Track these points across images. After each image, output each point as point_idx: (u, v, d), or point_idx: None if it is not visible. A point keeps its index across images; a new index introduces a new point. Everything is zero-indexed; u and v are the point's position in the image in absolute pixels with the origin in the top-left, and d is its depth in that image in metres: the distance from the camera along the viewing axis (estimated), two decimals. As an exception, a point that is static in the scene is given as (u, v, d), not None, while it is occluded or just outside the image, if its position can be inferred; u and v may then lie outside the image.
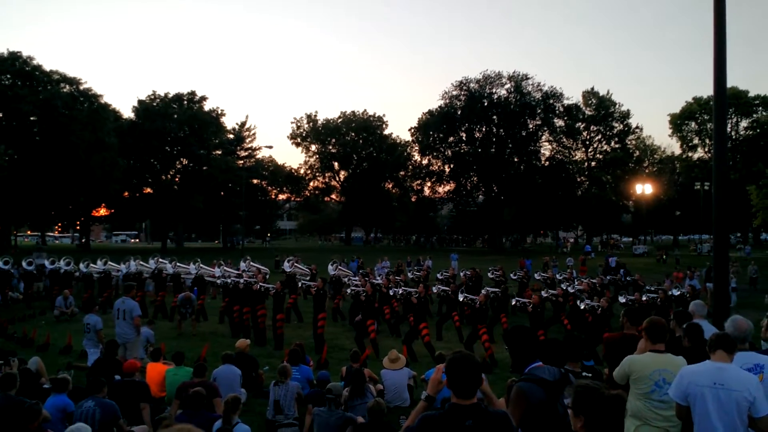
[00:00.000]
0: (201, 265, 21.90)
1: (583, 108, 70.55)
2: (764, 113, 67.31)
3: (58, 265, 23.84)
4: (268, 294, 15.94)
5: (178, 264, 22.71)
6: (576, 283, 20.36)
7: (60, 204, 52.88)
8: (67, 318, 18.70)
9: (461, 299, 16.08)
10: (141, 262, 23.33)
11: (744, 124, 68.58)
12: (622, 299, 18.31)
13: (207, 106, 63.72)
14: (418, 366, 11.82)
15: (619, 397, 3.11)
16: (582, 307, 16.17)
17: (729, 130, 64.47)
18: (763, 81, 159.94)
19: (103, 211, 63.85)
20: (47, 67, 52.03)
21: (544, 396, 3.82)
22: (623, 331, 6.36)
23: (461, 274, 23.30)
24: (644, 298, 17.89)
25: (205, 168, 60.55)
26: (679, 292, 19.24)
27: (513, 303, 17.63)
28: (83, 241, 62.52)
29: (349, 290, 17.85)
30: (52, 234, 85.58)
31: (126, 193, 59.26)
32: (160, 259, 23.07)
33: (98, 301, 18.55)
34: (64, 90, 52.05)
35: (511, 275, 23.85)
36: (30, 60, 50.62)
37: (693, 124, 70.24)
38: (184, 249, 58.53)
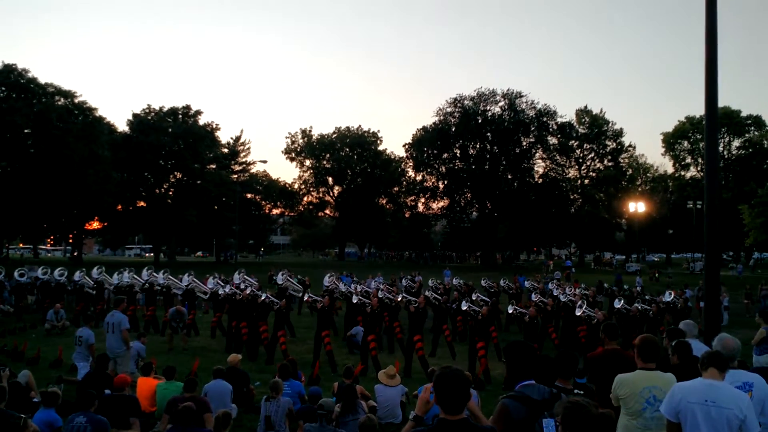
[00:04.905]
0: (193, 279, 21.76)
1: (577, 126, 70.94)
2: (756, 133, 67.93)
3: (49, 277, 23.72)
4: (271, 308, 15.74)
5: (169, 276, 22.59)
6: (568, 290, 20.32)
7: (53, 217, 52.57)
8: (57, 331, 18.56)
9: (465, 308, 15.79)
10: (134, 276, 23.20)
11: (736, 143, 69.22)
12: (617, 304, 17.96)
13: (202, 120, 63.61)
14: (411, 382, 11.77)
15: (606, 416, 3.12)
16: (578, 314, 15.86)
17: (721, 149, 65.03)
18: (755, 101, 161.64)
19: (96, 225, 63.45)
20: (42, 80, 51.92)
21: (526, 414, 3.86)
22: (603, 347, 6.31)
23: (455, 282, 23.58)
24: (639, 307, 17.85)
25: (199, 182, 60.40)
26: (671, 297, 19.17)
27: (510, 311, 17.41)
28: (75, 254, 62.10)
29: (355, 299, 16.88)
30: (44, 247, 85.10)
31: (119, 207, 58.92)
32: (153, 273, 22.95)
33: (93, 314, 18.43)
34: (59, 103, 51.93)
35: (502, 283, 24.18)
36: (25, 72, 50.52)
37: (685, 143, 70.81)
38: (177, 263, 58.23)
